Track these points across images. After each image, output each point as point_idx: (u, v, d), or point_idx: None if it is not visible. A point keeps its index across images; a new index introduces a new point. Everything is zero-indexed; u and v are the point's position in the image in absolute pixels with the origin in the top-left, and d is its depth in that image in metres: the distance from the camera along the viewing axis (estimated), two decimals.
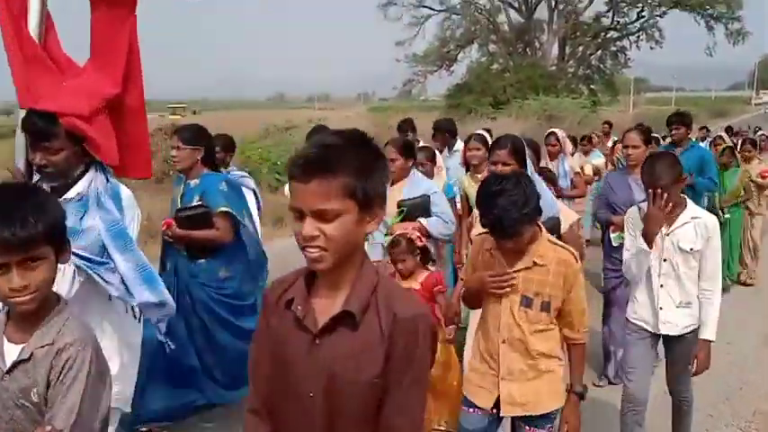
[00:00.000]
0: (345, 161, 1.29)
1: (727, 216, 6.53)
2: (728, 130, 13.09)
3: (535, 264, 2.32)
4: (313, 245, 1.29)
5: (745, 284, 6.90)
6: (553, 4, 33.22)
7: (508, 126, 18.63)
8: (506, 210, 2.15)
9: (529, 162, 3.09)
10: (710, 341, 2.95)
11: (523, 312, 2.34)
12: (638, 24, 33.97)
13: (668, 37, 34.51)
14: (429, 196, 3.77)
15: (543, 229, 2.39)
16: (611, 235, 4.17)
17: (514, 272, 2.34)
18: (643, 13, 33.49)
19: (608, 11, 33.92)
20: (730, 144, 7.29)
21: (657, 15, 33.48)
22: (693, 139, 5.91)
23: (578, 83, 34.08)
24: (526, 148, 3.29)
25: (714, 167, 5.61)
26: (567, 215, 3.08)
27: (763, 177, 7.18)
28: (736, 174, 6.68)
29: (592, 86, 34.63)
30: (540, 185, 2.99)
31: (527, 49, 34.63)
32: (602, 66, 35.59)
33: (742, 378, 4.43)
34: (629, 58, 35.32)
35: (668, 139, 6.25)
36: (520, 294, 2.35)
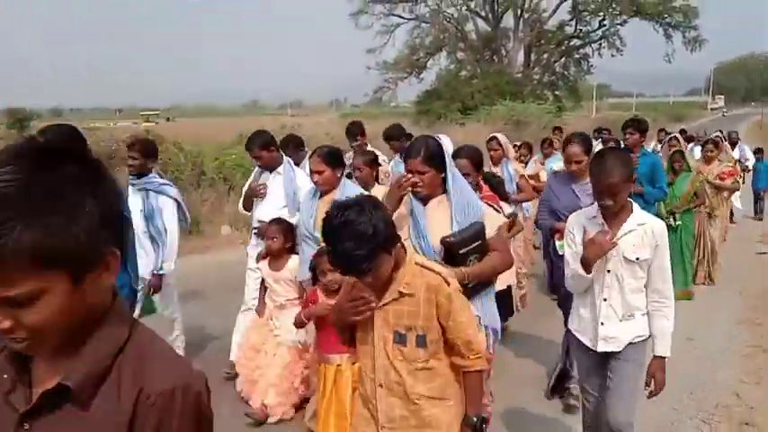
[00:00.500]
0: (23, 215, 0.83)
1: (678, 223, 6.33)
2: (682, 132, 13.17)
3: (402, 294, 2.02)
4: (11, 336, 0.91)
5: (704, 284, 6.86)
6: (518, 13, 33.97)
7: (477, 131, 19.04)
8: (352, 244, 1.85)
9: (449, 163, 2.75)
10: (665, 357, 2.69)
11: (398, 350, 2.04)
12: (599, 32, 34.93)
13: (629, 45, 35.60)
14: None
15: (408, 252, 2.12)
16: (556, 243, 3.87)
17: (383, 305, 2.05)
18: (605, 22, 34.40)
19: (571, 19, 34.81)
20: (682, 149, 6.92)
21: (618, 24, 34.42)
22: (649, 149, 5.75)
23: (543, 89, 34.86)
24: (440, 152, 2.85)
25: (664, 176, 5.45)
26: (493, 219, 2.82)
27: (722, 179, 7.08)
28: (687, 178, 6.39)
29: (556, 92, 35.49)
30: (462, 184, 2.79)
31: (494, 57, 35.24)
32: (565, 72, 36.55)
33: (706, 373, 4.51)
34: (591, 65, 36.34)
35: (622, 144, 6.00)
36: (392, 330, 2.05)
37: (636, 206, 2.73)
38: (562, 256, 3.42)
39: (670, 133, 9.61)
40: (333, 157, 3.62)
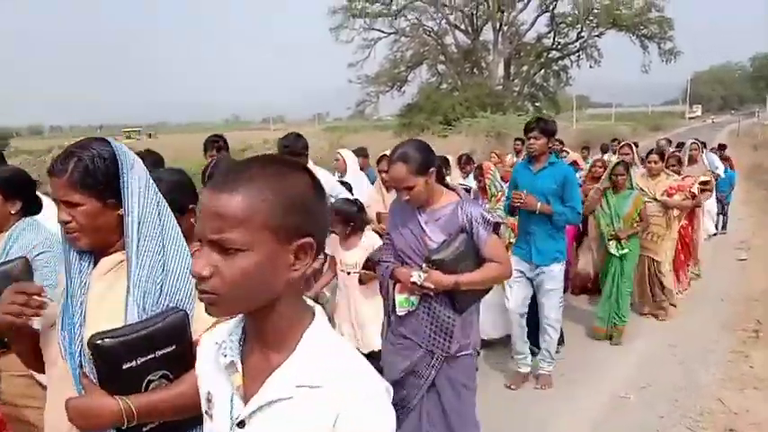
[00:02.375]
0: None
1: (624, 251, 5.29)
2: (666, 141, 11.64)
3: None
4: None
5: (657, 318, 5.94)
6: (497, 26, 34.42)
7: (459, 143, 19.20)
8: None
9: (131, 188, 1.47)
10: None
11: None
12: (577, 44, 35.47)
13: (606, 56, 36.22)
14: None
15: None
16: (397, 298, 2.65)
17: None
18: (582, 34, 34.99)
19: (549, 32, 35.36)
20: (635, 161, 5.82)
21: (595, 36, 35.06)
22: (555, 154, 4.55)
23: (523, 101, 35.36)
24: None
25: (578, 192, 4.34)
26: None
27: (669, 195, 5.82)
28: (630, 197, 5.34)
29: (536, 104, 36.00)
30: (169, 228, 1.58)
31: (474, 70, 35.62)
32: (545, 84, 37.08)
33: (689, 379, 4.50)
34: (570, 77, 36.93)
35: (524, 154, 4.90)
36: None
37: (313, 333, 0.98)
38: (403, 317, 2.59)
39: (622, 143, 8.18)
40: (7, 183, 2.28)
